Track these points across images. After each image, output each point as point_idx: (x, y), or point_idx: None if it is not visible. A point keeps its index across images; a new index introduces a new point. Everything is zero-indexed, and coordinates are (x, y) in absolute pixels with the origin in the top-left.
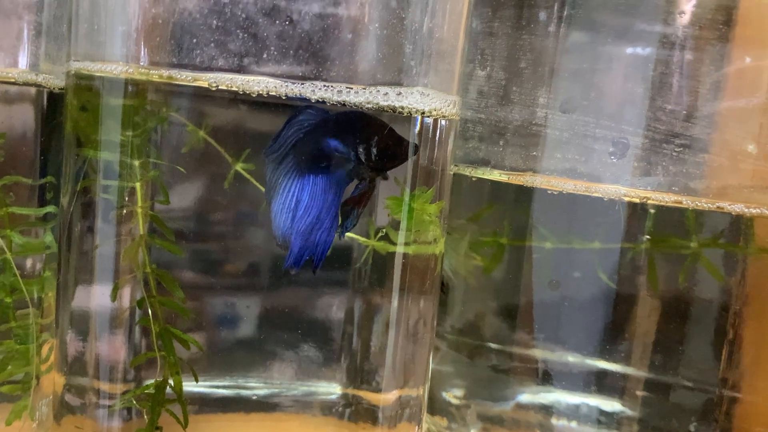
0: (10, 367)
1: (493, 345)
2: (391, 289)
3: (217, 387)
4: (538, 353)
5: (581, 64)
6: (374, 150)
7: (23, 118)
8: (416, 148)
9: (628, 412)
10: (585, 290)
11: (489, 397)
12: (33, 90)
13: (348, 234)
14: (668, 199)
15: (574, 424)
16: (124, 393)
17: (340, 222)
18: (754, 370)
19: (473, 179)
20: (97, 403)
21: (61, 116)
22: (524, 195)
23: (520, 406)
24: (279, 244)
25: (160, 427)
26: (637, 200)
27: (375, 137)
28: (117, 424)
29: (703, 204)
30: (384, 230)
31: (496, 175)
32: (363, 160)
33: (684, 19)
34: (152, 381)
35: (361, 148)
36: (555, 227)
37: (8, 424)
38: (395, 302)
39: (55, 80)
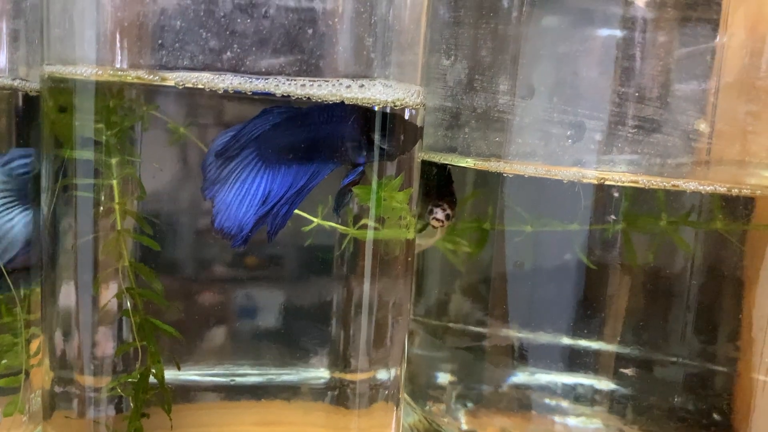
0: (5, 360)
1: (482, 329)
2: (363, 274)
3: (207, 375)
4: (528, 335)
5: (541, 51)
6: (393, 137)
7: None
8: (421, 131)
9: (623, 390)
10: (562, 271)
11: (481, 380)
12: (8, 93)
13: (326, 223)
14: (625, 179)
15: (566, 404)
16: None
17: (335, 205)
18: (749, 347)
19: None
20: (85, 395)
21: (39, 118)
22: (493, 180)
23: (514, 387)
24: (226, 235)
25: (147, 414)
26: (595, 181)
27: (390, 125)
28: (105, 414)
29: (659, 183)
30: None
31: (464, 162)
32: (380, 146)
33: (639, 1)
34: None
35: (377, 135)
36: (525, 210)
37: (6, 415)
38: (367, 286)
39: (32, 84)
